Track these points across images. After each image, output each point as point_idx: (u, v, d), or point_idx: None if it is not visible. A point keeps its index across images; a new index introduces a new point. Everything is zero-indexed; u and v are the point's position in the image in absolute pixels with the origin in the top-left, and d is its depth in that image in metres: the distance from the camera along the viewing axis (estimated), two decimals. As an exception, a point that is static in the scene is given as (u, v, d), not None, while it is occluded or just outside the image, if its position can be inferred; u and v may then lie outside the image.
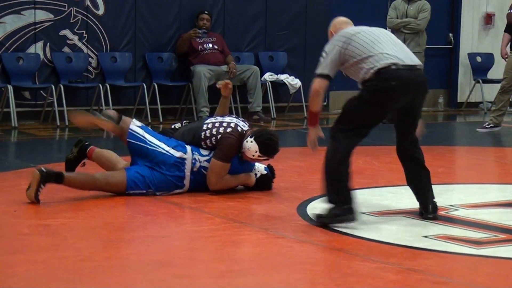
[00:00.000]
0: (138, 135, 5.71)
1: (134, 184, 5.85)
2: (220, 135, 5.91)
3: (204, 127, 6.02)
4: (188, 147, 5.86)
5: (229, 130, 6.15)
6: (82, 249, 4.63)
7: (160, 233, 5.15)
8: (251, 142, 6.00)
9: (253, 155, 6.03)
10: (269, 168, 6.30)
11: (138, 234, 5.04)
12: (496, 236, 5.19)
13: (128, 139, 5.70)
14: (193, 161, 5.79)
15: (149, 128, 6.14)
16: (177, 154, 5.74)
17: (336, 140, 5.27)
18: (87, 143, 6.12)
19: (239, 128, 6.14)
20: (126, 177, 5.82)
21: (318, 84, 5.14)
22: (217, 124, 6.06)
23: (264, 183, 6.07)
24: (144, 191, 5.84)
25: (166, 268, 4.33)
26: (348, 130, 5.21)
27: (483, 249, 4.90)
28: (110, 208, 5.55)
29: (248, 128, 6.12)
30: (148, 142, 5.68)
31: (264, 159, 6.16)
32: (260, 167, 6.19)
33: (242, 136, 6.12)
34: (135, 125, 5.90)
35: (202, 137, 5.96)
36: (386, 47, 5.24)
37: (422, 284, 4.26)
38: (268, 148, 6.04)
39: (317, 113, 5.41)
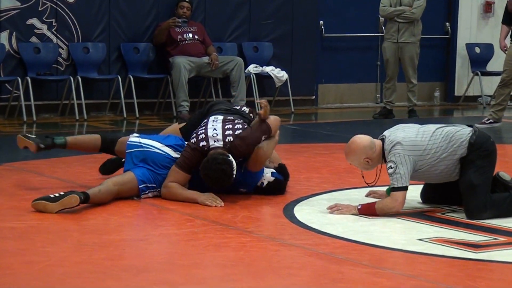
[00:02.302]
0: (134, 143, 5.88)
1: (145, 180, 5.95)
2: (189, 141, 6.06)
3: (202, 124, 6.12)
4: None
5: (193, 140, 6.13)
6: (52, 254, 4.59)
7: (136, 236, 5.13)
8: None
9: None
10: (281, 168, 6.36)
11: (113, 238, 5.00)
12: (495, 239, 5.23)
13: (127, 151, 5.87)
14: None
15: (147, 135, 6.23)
16: (174, 154, 5.86)
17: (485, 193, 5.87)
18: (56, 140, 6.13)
19: (202, 143, 6.06)
20: (135, 178, 5.89)
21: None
22: (201, 129, 6.11)
23: (274, 190, 6.14)
24: (155, 186, 5.93)
25: (142, 274, 4.31)
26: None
27: (482, 252, 4.91)
28: (82, 209, 5.48)
29: (221, 144, 5.93)
30: (143, 144, 5.84)
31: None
32: (267, 175, 6.22)
33: (200, 152, 6.04)
34: (132, 137, 6.04)
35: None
36: None
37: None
38: (208, 181, 5.85)
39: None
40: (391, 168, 5.70)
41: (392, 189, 5.70)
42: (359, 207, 5.68)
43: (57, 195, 5.55)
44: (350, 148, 5.87)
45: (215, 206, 5.89)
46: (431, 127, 5.90)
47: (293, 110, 11.71)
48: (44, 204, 5.50)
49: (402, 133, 5.80)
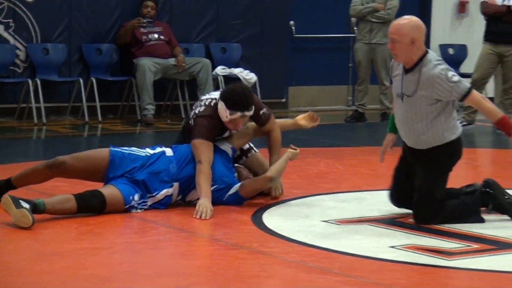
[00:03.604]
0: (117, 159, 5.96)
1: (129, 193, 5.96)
2: (194, 118, 6.20)
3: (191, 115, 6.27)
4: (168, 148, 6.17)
5: (197, 110, 6.32)
6: (9, 264, 4.56)
7: (99, 245, 5.09)
8: (219, 103, 6.18)
9: (227, 117, 6.14)
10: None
11: (74, 246, 4.95)
12: (469, 246, 5.28)
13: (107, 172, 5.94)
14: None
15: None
16: (156, 150, 5.99)
17: (435, 195, 6.03)
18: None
19: (212, 102, 6.30)
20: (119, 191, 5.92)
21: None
22: (198, 103, 6.38)
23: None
24: (143, 198, 5.95)
25: (105, 284, 4.31)
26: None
27: (455, 260, 4.96)
28: (41, 217, 5.41)
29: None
30: (125, 153, 5.95)
31: (241, 117, 6.22)
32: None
33: (213, 108, 6.28)
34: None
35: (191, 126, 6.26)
36: None
37: None
38: (234, 100, 6.16)
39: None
40: (454, 76, 5.77)
41: (468, 92, 5.85)
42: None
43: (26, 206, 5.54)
44: (404, 20, 5.86)
45: (202, 218, 5.94)
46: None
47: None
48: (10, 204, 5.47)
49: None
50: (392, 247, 5.20)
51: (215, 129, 6.35)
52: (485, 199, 6.06)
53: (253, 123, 6.73)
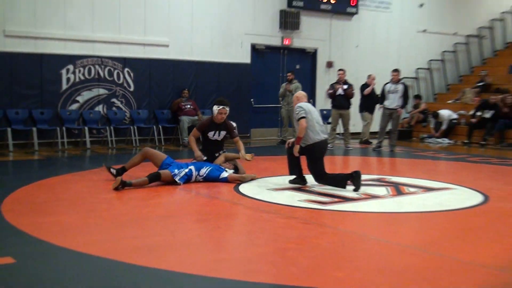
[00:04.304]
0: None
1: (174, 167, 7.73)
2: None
3: None
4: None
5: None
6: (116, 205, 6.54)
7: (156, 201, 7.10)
8: (214, 107, 8.36)
9: (216, 110, 8.29)
10: (235, 168, 8.41)
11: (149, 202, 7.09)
12: (333, 199, 6.99)
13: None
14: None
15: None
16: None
17: (320, 176, 7.71)
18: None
19: (208, 117, 8.37)
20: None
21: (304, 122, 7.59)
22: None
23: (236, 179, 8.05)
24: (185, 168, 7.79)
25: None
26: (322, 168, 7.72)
27: (328, 206, 6.61)
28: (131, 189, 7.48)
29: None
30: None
31: (222, 109, 8.27)
32: (230, 171, 8.17)
33: (207, 118, 8.43)
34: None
35: None
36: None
37: (296, 225, 5.93)
38: (219, 101, 8.36)
39: (301, 137, 7.61)
40: (299, 111, 7.64)
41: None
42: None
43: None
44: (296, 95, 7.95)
45: (201, 159, 8.16)
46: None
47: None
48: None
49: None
50: (299, 200, 6.87)
51: (205, 124, 8.40)
52: (349, 177, 7.64)
53: (222, 159, 8.51)
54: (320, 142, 7.70)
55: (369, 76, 14.88)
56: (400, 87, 13.09)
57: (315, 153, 7.69)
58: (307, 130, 7.62)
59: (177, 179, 7.65)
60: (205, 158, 8.40)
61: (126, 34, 13.74)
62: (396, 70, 13.36)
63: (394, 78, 13.21)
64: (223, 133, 8.54)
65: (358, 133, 16.03)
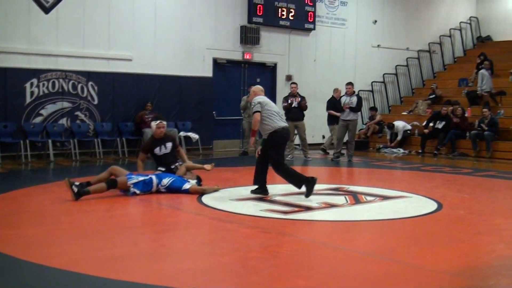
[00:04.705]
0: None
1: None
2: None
3: None
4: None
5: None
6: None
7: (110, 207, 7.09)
8: (151, 124, 8.59)
9: (155, 126, 8.44)
10: (198, 178, 8.39)
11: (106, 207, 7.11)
12: (293, 208, 6.99)
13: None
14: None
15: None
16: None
17: (277, 165, 7.70)
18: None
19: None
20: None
21: (257, 116, 7.66)
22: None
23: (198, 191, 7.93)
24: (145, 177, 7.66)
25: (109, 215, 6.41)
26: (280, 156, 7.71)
27: (288, 215, 6.63)
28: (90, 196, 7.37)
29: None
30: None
31: (160, 123, 8.39)
32: (192, 182, 8.06)
33: (151, 139, 8.46)
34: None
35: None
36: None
37: (258, 234, 5.90)
38: (155, 117, 9.05)
39: (255, 130, 7.78)
40: (256, 104, 7.68)
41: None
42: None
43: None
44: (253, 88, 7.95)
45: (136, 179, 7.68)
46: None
47: (201, 152, 14.59)
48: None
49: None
50: (261, 210, 6.85)
51: (148, 144, 8.53)
52: (306, 181, 7.56)
53: (184, 169, 8.45)
54: (281, 129, 7.66)
55: (336, 90, 14.91)
56: (354, 99, 13.26)
57: (277, 139, 7.65)
58: (268, 120, 7.61)
59: (131, 183, 7.53)
60: (163, 169, 8.38)
61: (90, 49, 13.62)
62: (350, 84, 13.50)
63: (349, 91, 13.37)
64: (169, 145, 8.56)
65: (319, 144, 16.08)
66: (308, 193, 7.49)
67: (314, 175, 7.79)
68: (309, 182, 7.51)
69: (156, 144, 8.52)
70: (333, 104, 14.38)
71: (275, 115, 7.70)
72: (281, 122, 7.74)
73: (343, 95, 13.58)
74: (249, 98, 8.00)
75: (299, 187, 7.60)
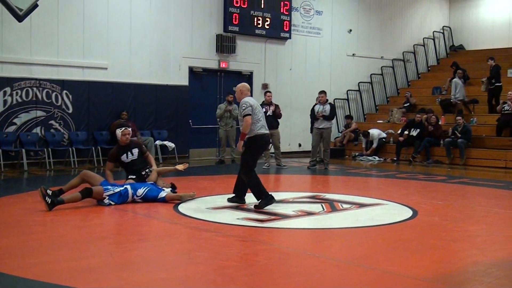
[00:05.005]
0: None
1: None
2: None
3: None
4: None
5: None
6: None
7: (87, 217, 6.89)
8: (116, 131, 8.34)
9: (120, 133, 8.29)
10: (172, 185, 8.35)
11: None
12: (270, 217, 6.99)
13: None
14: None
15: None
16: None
17: (247, 169, 7.56)
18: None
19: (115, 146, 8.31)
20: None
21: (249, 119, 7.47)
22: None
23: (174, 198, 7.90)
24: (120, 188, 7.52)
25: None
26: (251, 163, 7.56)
27: (265, 223, 6.60)
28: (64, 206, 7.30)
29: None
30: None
31: (125, 130, 8.25)
32: (167, 190, 8.03)
33: (116, 146, 8.32)
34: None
35: None
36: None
37: (235, 243, 5.83)
38: (119, 124, 8.52)
39: (245, 134, 7.53)
40: (244, 108, 7.49)
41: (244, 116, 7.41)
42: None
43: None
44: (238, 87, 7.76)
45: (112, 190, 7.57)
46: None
47: (177, 160, 14.39)
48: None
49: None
50: (237, 218, 6.85)
51: (114, 153, 8.34)
52: (265, 196, 7.46)
53: (155, 175, 8.36)
54: (263, 135, 7.61)
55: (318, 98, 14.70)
56: (327, 107, 13.29)
57: (256, 144, 7.59)
58: (252, 125, 7.54)
59: (106, 194, 7.47)
60: (134, 176, 8.28)
61: (64, 57, 13.53)
62: (322, 92, 13.53)
63: (322, 100, 13.39)
64: (135, 151, 8.47)
65: (296, 152, 16.15)
66: (260, 206, 7.43)
67: (290, 183, 7.75)
68: (269, 199, 7.47)
69: (122, 151, 8.41)
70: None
71: (260, 121, 7.63)
72: (263, 129, 7.67)
73: (316, 104, 13.59)
74: (237, 96, 7.73)
75: (257, 199, 7.52)
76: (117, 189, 7.66)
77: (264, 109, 12.72)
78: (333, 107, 13.54)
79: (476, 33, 22.63)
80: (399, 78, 21.26)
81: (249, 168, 7.55)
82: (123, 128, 8.33)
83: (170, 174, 9.43)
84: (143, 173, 8.49)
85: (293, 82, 18.05)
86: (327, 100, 13.55)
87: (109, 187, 7.62)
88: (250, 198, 7.91)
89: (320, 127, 13.37)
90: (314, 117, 13.47)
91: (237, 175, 7.84)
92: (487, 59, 17.25)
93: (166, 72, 15.23)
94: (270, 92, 13.89)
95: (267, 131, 7.81)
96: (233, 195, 7.87)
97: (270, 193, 7.55)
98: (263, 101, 13.65)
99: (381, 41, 20.74)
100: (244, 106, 7.56)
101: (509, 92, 15.39)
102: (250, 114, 7.49)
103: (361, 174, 12.69)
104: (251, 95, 8.05)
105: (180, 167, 8.46)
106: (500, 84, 16.38)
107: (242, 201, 7.79)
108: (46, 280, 4.47)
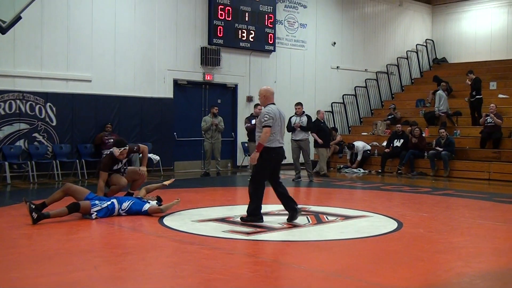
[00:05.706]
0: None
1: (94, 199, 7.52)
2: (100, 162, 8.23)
3: None
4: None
5: (102, 159, 8.03)
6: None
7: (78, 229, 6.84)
8: (113, 149, 8.27)
9: (118, 152, 8.21)
10: (158, 198, 8.39)
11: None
12: (256, 229, 7.04)
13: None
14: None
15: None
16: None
17: (256, 181, 7.38)
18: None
19: (108, 155, 8.33)
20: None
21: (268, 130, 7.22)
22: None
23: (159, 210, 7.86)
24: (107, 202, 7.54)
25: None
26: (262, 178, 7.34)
27: (250, 236, 6.65)
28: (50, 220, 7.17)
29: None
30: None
31: (123, 150, 8.19)
32: (153, 203, 8.02)
33: (108, 156, 8.27)
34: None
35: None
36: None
37: (220, 256, 5.81)
38: (119, 142, 8.32)
39: (262, 145, 7.25)
40: (266, 117, 7.20)
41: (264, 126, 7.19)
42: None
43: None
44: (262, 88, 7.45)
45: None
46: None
47: (162, 173, 14.59)
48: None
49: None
50: (223, 231, 6.85)
51: (108, 164, 8.31)
52: (258, 210, 7.44)
53: (144, 192, 8.51)
54: (275, 148, 7.37)
55: (318, 112, 14.95)
56: (304, 118, 13.27)
57: (270, 157, 7.34)
58: (270, 136, 7.32)
59: (94, 210, 7.45)
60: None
61: (48, 69, 13.50)
62: (299, 104, 13.49)
63: (298, 111, 13.36)
64: (124, 160, 8.66)
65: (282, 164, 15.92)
66: (246, 220, 7.38)
67: (275, 196, 7.72)
68: (258, 218, 7.44)
69: (115, 162, 8.54)
70: (318, 126, 14.42)
71: (277, 133, 7.38)
72: (276, 142, 7.40)
73: (293, 116, 13.49)
74: (260, 102, 7.48)
75: (248, 213, 7.47)
76: (104, 204, 7.64)
77: (253, 122, 12.81)
78: (310, 118, 13.49)
79: (459, 46, 22.90)
80: (383, 91, 21.43)
81: (258, 180, 7.42)
82: (123, 149, 8.32)
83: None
84: (122, 171, 8.72)
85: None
86: (303, 111, 13.49)
87: (96, 202, 7.59)
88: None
89: (297, 139, 13.32)
90: (292, 128, 13.36)
91: (276, 192, 7.58)
92: (466, 73, 17.37)
93: (151, 84, 15.24)
94: (259, 105, 13.71)
95: (281, 145, 7.53)
96: (287, 212, 7.61)
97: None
98: (252, 113, 13.56)
99: (365, 54, 20.91)
100: (266, 117, 7.28)
101: (491, 105, 15.57)
102: (270, 126, 7.25)
103: (346, 186, 12.74)
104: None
105: (166, 182, 8.55)
106: (480, 96, 16.54)
107: (298, 210, 7.51)
108: (30, 294, 4.42)
